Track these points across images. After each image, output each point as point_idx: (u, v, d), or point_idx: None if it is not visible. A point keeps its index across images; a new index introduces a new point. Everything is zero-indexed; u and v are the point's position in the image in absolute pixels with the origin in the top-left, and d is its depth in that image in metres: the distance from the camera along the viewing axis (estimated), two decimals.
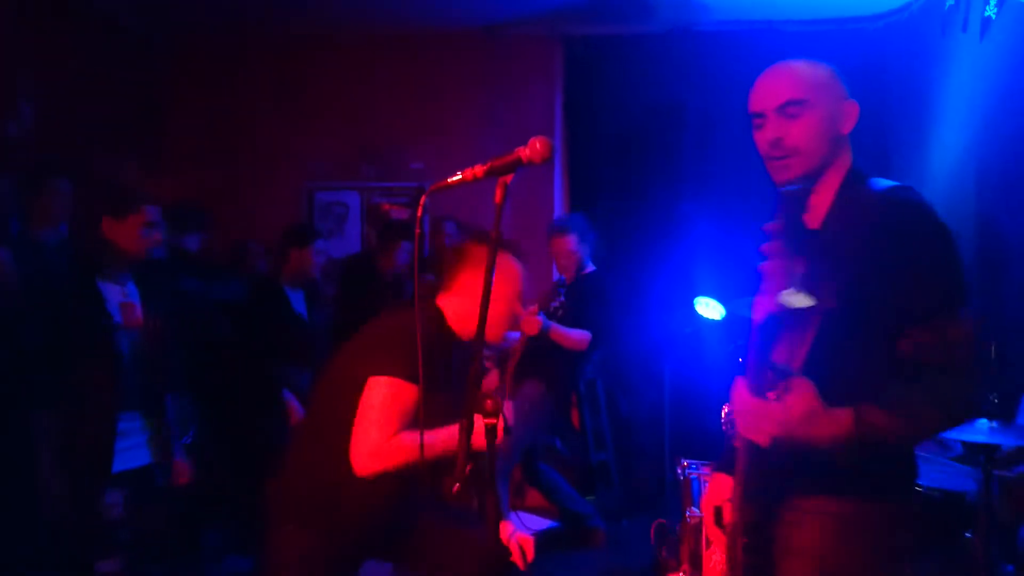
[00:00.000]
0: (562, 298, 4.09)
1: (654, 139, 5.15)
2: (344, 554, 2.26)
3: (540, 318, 3.75)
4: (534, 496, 4.53)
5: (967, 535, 2.40)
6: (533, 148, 1.49)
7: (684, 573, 3.01)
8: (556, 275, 4.44)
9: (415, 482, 2.31)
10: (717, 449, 3.25)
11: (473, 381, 1.56)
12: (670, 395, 4.57)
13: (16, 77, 4.18)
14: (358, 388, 2.08)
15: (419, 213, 1.55)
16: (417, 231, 1.64)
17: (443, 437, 2.00)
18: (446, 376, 2.17)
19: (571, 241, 4.07)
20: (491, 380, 3.83)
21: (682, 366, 4.59)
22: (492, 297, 2.02)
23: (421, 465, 1.99)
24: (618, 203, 5.12)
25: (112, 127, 4.81)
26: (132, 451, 2.73)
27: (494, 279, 2.04)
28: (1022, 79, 3.16)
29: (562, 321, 3.94)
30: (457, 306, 2.25)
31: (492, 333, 2.22)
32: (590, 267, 4.13)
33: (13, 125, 4.12)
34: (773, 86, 1.61)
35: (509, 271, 2.25)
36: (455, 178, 1.47)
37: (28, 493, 2.61)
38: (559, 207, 5.33)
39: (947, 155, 4.04)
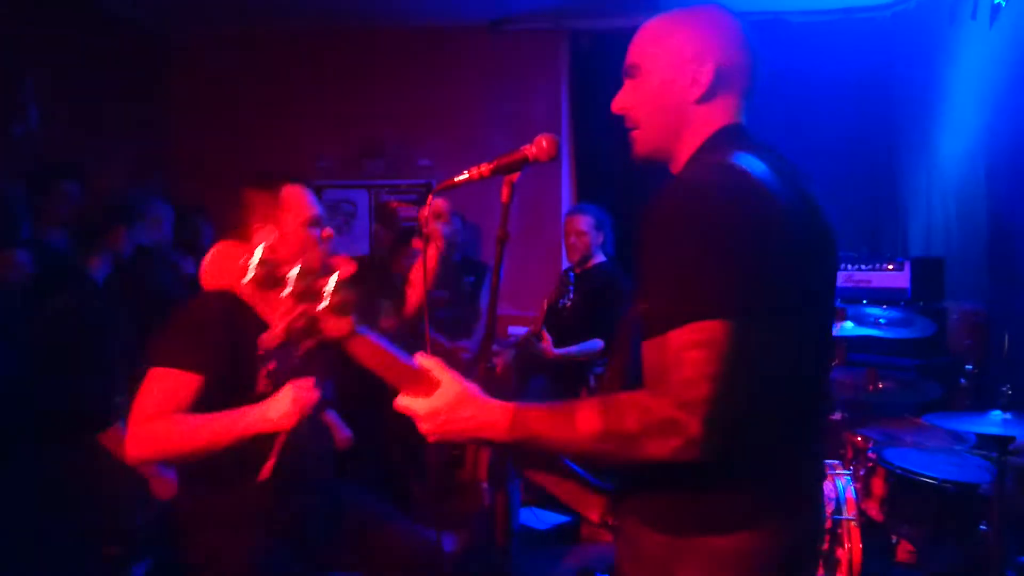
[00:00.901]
0: (571, 294, 4.07)
1: None
2: (266, 550, 2.05)
3: (553, 350, 3.77)
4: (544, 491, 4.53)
5: (981, 527, 2.38)
6: (540, 146, 1.48)
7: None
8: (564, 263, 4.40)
9: (319, 474, 2.19)
10: None
11: (479, 379, 1.55)
12: None
13: (23, 79, 4.19)
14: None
15: (426, 211, 1.54)
16: (425, 230, 1.63)
17: (222, 419, 1.88)
18: (276, 352, 1.98)
19: (584, 221, 4.01)
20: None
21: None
22: (290, 230, 2.05)
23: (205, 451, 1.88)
24: (626, 197, 5.10)
25: (118, 127, 4.82)
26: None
27: (285, 217, 2.05)
28: None
29: (571, 320, 3.90)
30: None
31: (305, 262, 1.87)
32: (599, 257, 4.07)
33: (20, 127, 4.14)
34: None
35: (295, 199, 2.14)
36: (461, 177, 1.46)
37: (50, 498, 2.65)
38: (567, 202, 5.32)
39: (957, 144, 4.00)
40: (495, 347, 4.42)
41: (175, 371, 1.93)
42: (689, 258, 1.13)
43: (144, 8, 4.98)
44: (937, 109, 4.28)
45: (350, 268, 1.22)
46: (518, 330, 4.76)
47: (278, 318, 1.23)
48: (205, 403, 1.93)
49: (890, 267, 3.85)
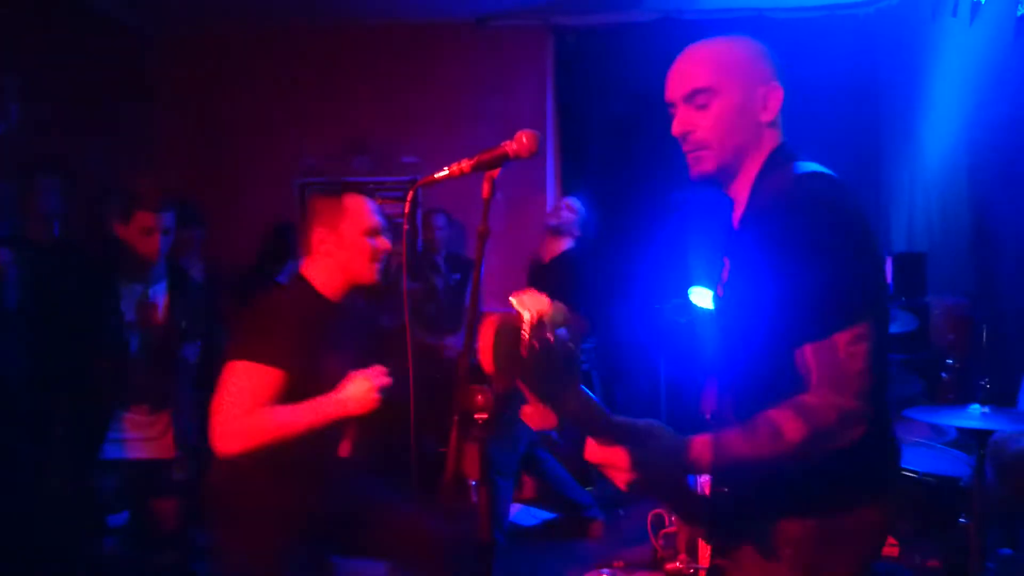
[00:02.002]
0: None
1: (645, 128, 5.13)
2: (294, 546, 2.21)
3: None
4: (532, 488, 4.54)
5: (962, 520, 2.41)
6: (520, 142, 1.49)
7: (681, 562, 3.03)
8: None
9: (338, 465, 2.36)
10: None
11: (463, 376, 1.56)
12: (665, 385, 4.57)
13: (3, 76, 4.15)
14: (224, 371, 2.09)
15: (407, 209, 1.54)
16: (406, 227, 1.63)
17: (304, 411, 2.04)
18: (336, 344, 2.19)
19: (569, 208, 3.98)
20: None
21: (677, 356, 4.59)
22: (349, 240, 2.19)
23: (293, 441, 2.03)
24: (611, 192, 5.11)
25: (101, 124, 4.78)
26: (135, 443, 2.82)
27: (337, 236, 2.18)
28: (1012, 63, 3.16)
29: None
30: (319, 267, 2.23)
31: (365, 276, 2.22)
32: (568, 244, 3.97)
33: (1, 124, 4.10)
34: (681, 73, 1.48)
35: (344, 216, 2.24)
36: (442, 173, 1.47)
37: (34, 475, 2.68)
38: (551, 197, 5.32)
39: (939, 140, 4.03)
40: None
41: (260, 366, 2.03)
42: (840, 264, 1.26)
43: (127, 5, 4.94)
44: (919, 105, 4.31)
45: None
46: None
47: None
48: (284, 397, 2.06)
49: None
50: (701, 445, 1.26)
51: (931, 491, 2.47)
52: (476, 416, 1.56)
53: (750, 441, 1.25)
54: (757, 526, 1.37)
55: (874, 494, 1.37)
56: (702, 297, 4.27)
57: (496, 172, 1.47)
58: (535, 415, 1.19)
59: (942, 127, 3.99)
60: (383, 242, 2.23)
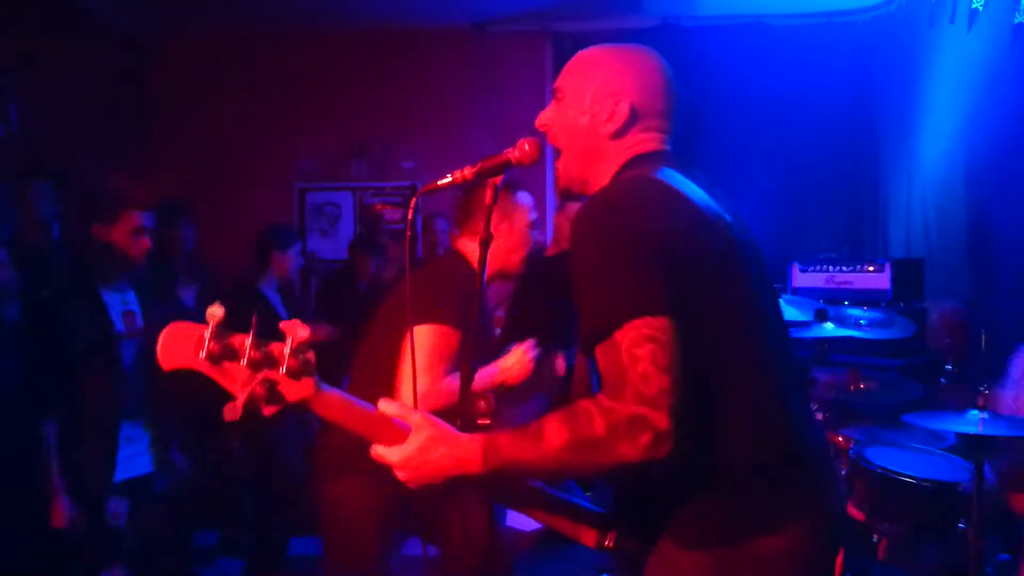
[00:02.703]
0: None
1: None
2: (392, 512, 2.29)
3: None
4: None
5: (961, 525, 2.41)
6: (523, 150, 1.48)
7: None
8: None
9: None
10: None
11: (465, 382, 1.56)
12: None
13: (2, 80, 4.16)
14: (403, 338, 2.13)
15: (410, 216, 1.54)
16: (408, 233, 1.63)
17: (482, 379, 2.12)
18: (479, 320, 2.30)
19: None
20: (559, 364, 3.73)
21: None
22: (518, 230, 2.37)
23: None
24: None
25: (99, 128, 4.79)
26: (135, 459, 2.74)
27: (509, 224, 2.33)
28: (1009, 69, 3.17)
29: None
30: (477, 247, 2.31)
31: (516, 265, 2.40)
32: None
33: (0, 128, 4.10)
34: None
35: (517, 209, 2.41)
36: (445, 180, 1.47)
37: (34, 501, 2.60)
38: (551, 202, 5.33)
39: (936, 146, 4.05)
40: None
41: (447, 328, 2.14)
42: (624, 260, 1.18)
43: (126, 9, 4.95)
44: (917, 112, 4.33)
45: (304, 333, 1.22)
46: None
47: (238, 389, 1.23)
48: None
49: (871, 268, 3.88)
50: (481, 442, 1.22)
51: (929, 496, 2.47)
52: (479, 421, 1.55)
53: (515, 442, 1.19)
54: (653, 554, 1.28)
55: (775, 521, 1.21)
56: None
57: (499, 179, 1.47)
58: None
59: (939, 134, 4.00)
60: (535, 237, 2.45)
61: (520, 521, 4.29)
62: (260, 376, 1.22)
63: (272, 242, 3.76)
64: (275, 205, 5.23)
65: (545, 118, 1.46)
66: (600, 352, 1.18)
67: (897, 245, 4.58)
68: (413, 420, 1.26)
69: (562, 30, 5.25)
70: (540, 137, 1.50)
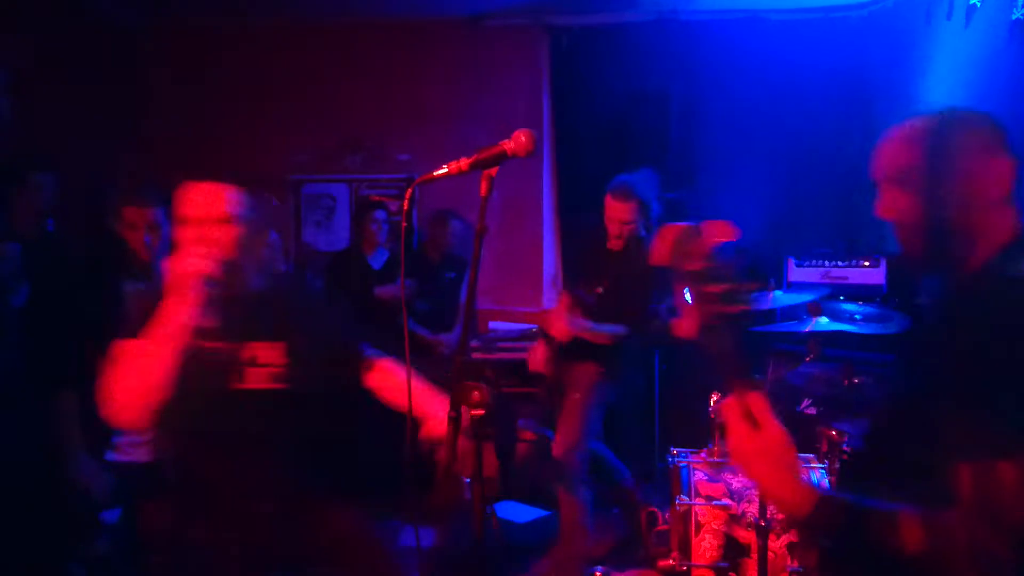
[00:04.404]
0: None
1: (641, 128, 5.15)
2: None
3: (571, 323, 3.45)
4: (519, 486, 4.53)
5: None
6: (518, 141, 1.49)
7: (674, 559, 3.04)
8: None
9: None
10: (705, 437, 3.28)
11: (460, 370, 1.56)
12: (659, 383, 4.59)
13: None
14: None
15: (406, 206, 1.55)
16: (404, 224, 1.64)
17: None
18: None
19: (631, 210, 3.45)
20: (538, 357, 3.69)
21: (671, 354, 4.61)
22: None
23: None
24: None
25: (93, 120, 4.77)
26: (130, 447, 2.78)
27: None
28: (1006, 66, 3.18)
29: (604, 301, 3.56)
30: None
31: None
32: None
33: None
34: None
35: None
36: (441, 171, 1.47)
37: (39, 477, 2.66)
38: (548, 197, 5.33)
39: None
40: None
41: None
42: None
43: (119, 1, 4.92)
44: (913, 107, 4.33)
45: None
46: (499, 325, 4.77)
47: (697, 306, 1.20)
48: None
49: (866, 263, 3.90)
50: (816, 497, 1.17)
51: None
52: (473, 413, 1.56)
53: (856, 515, 1.16)
54: None
55: None
56: None
57: (494, 171, 1.47)
58: (685, 324, 1.21)
59: None
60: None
61: (514, 513, 4.31)
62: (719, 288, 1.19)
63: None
64: (270, 197, 5.21)
65: (893, 205, 1.42)
66: (981, 467, 1.11)
67: (893, 240, 4.59)
68: (778, 425, 1.21)
69: (559, 24, 5.24)
70: (537, 130, 1.50)
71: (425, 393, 2.07)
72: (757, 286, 3.31)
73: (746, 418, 1.21)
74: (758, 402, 1.20)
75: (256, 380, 2.03)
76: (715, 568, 2.90)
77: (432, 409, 2.04)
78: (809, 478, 1.19)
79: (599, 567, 3.38)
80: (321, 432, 2.12)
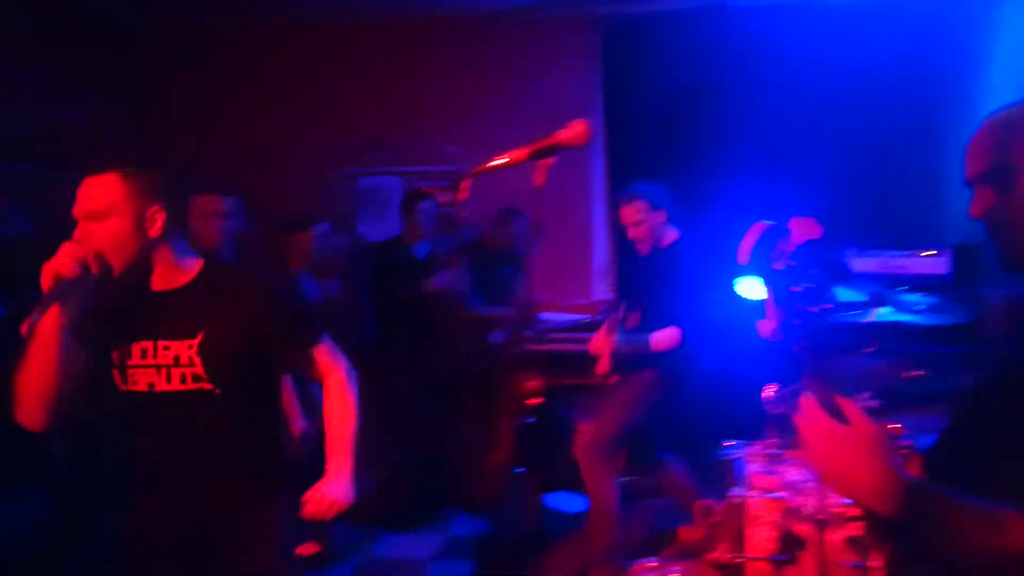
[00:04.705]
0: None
1: (694, 117, 5.09)
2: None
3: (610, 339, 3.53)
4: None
5: None
6: (574, 131, 1.50)
7: (726, 552, 3.01)
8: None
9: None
10: (757, 430, 3.24)
11: (512, 363, 1.58)
12: (709, 376, 4.53)
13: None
14: None
15: (461, 197, 1.56)
16: (459, 215, 1.65)
17: None
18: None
19: (638, 209, 3.60)
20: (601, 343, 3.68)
21: (722, 346, 4.55)
22: None
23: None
24: (659, 184, 5.08)
25: (133, 121, 4.89)
26: None
27: None
28: None
29: (647, 307, 3.64)
30: None
31: None
32: (673, 233, 3.68)
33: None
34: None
35: None
36: (497, 161, 1.48)
37: None
38: (598, 190, 5.30)
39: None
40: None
41: None
42: None
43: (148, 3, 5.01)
44: (978, 89, 4.20)
45: None
46: (549, 316, 4.76)
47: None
48: None
49: (929, 253, 3.80)
50: (904, 486, 1.11)
51: None
52: (526, 402, 1.57)
53: (954, 510, 1.10)
54: None
55: None
56: (751, 288, 4.22)
57: (551, 160, 1.48)
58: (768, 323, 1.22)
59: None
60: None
61: (565, 503, 4.31)
62: None
63: (288, 226, 3.88)
64: (325, 192, 5.29)
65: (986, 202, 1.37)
66: None
67: (956, 230, 4.47)
68: (865, 417, 1.18)
69: (611, 13, 5.20)
70: (588, 118, 1.50)
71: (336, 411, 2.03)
72: (839, 283, 3.28)
73: (829, 413, 1.17)
74: (842, 397, 1.17)
75: (163, 381, 1.89)
76: (772, 560, 2.86)
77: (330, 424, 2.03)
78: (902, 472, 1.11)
79: (651, 558, 3.36)
80: (235, 431, 1.96)
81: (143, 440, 1.95)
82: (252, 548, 1.94)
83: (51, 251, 2.65)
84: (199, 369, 1.87)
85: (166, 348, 1.88)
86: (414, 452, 4.18)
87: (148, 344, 1.89)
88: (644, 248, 3.66)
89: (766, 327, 2.46)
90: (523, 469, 3.97)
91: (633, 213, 3.62)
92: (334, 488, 1.96)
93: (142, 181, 1.86)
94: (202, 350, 1.87)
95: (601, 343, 3.64)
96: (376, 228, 5.31)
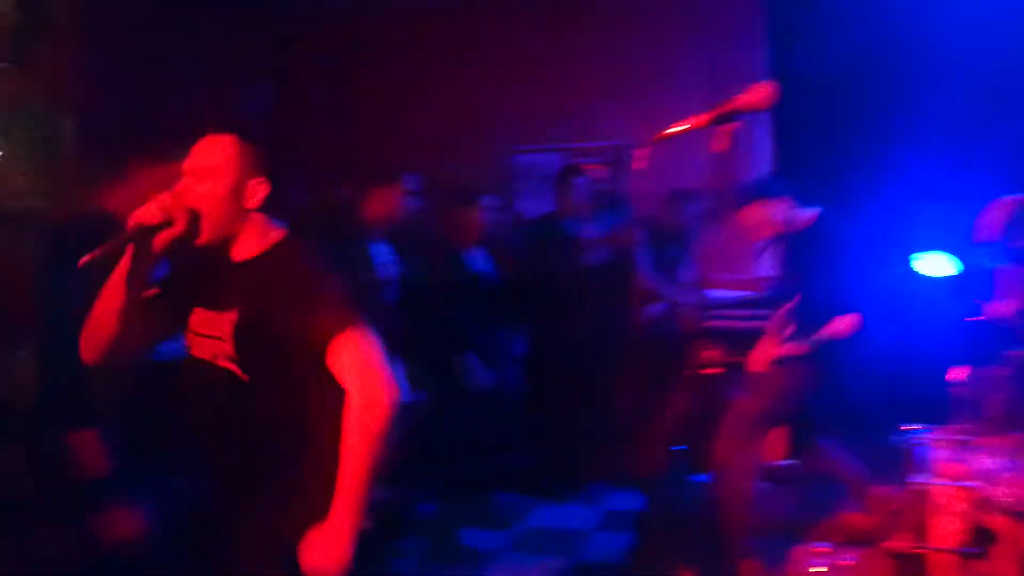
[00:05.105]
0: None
1: (867, 85, 4.78)
2: None
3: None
4: None
5: None
6: (758, 93, 1.45)
7: (907, 541, 2.85)
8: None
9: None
10: (940, 414, 3.03)
11: (693, 333, 1.55)
12: (885, 358, 4.28)
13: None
14: None
15: (639, 166, 1.54)
16: (633, 186, 1.63)
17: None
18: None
19: (780, 209, 3.44)
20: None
21: (898, 327, 4.28)
22: None
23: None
24: (827, 155, 4.81)
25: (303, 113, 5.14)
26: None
27: None
28: None
29: (805, 290, 3.47)
30: None
31: None
32: (808, 213, 3.50)
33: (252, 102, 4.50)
34: None
35: None
36: (677, 128, 1.46)
37: None
38: (765, 161, 5.09)
39: None
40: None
41: None
42: None
43: None
44: None
45: None
46: (714, 293, 4.63)
47: None
48: None
49: None
50: None
51: None
52: (707, 371, 1.55)
53: None
54: None
55: None
56: (934, 265, 3.94)
57: (734, 126, 1.44)
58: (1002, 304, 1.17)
59: None
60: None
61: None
62: None
63: (455, 199, 3.94)
64: (485, 169, 5.38)
65: None
66: None
67: None
68: None
69: None
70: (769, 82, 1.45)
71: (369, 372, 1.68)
72: None
73: None
74: None
75: (200, 350, 1.80)
76: (961, 553, 2.68)
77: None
78: None
79: (824, 543, 3.24)
80: (264, 428, 1.76)
81: (192, 413, 1.84)
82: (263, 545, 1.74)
83: None
84: (229, 348, 1.73)
85: (216, 320, 1.78)
86: (570, 425, 4.21)
87: (209, 314, 1.80)
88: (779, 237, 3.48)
89: (1001, 308, 2.24)
90: (683, 447, 3.92)
91: (771, 213, 3.43)
92: (328, 546, 1.64)
93: (254, 152, 1.80)
94: (236, 328, 1.73)
95: (768, 351, 3.49)
96: (534, 206, 5.37)
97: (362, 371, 1.65)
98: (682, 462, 4.04)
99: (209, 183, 1.72)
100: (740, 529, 3.36)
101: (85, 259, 1.56)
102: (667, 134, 1.46)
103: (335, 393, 1.66)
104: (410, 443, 2.97)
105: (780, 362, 3.43)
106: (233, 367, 1.72)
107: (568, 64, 5.41)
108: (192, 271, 1.86)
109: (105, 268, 1.69)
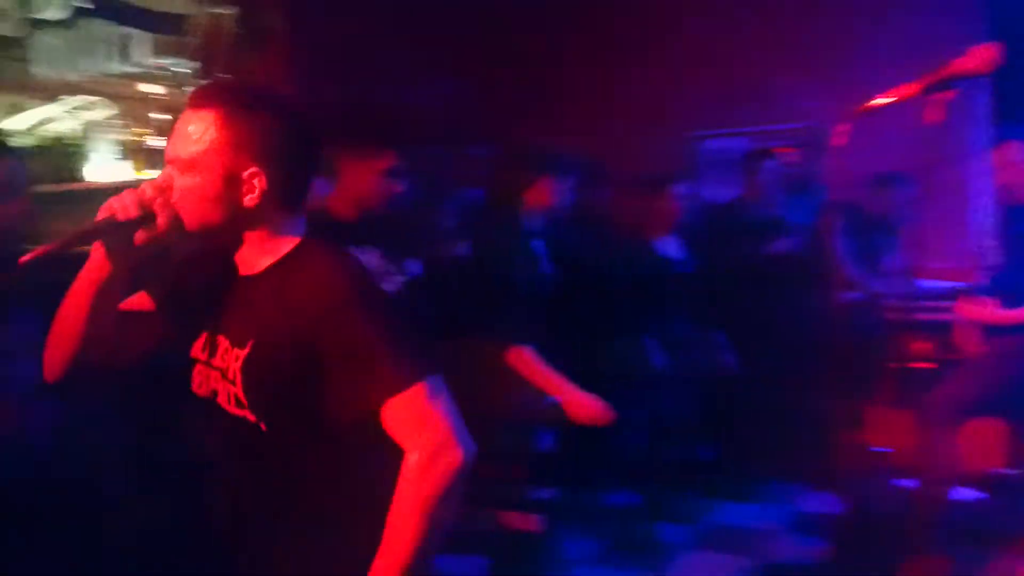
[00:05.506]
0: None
1: None
2: None
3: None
4: None
5: None
6: (978, 57, 1.30)
7: None
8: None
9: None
10: None
11: (899, 325, 1.42)
12: None
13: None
14: None
15: (838, 143, 1.43)
16: (831, 165, 1.53)
17: None
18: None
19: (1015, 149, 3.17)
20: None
21: None
22: None
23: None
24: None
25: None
26: None
27: None
28: None
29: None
30: None
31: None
32: None
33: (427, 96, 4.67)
34: None
35: None
36: (885, 99, 1.34)
37: None
38: (982, 135, 4.59)
39: None
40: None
41: None
42: None
43: None
44: None
45: None
46: (919, 283, 4.27)
47: None
48: None
49: None
50: None
51: None
52: (916, 366, 1.42)
53: None
54: None
55: None
56: None
57: (949, 94, 1.30)
58: None
59: None
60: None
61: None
62: None
63: (646, 188, 3.84)
64: (671, 155, 5.28)
65: None
66: None
67: None
68: None
69: None
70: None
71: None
72: None
73: None
74: None
75: (205, 387, 1.44)
76: None
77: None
78: None
79: None
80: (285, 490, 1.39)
81: (207, 465, 1.50)
82: None
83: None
84: (239, 390, 1.35)
85: (226, 352, 1.39)
86: (756, 421, 4.04)
87: (215, 339, 1.43)
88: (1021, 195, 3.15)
89: None
90: (885, 448, 3.65)
91: (1008, 153, 3.16)
92: None
93: (247, 128, 1.34)
94: (246, 365, 1.35)
95: (976, 315, 3.16)
96: (723, 191, 5.20)
97: (421, 428, 1.27)
98: (884, 464, 3.77)
99: (188, 176, 1.34)
100: (931, 532, 3.08)
101: (27, 257, 1.27)
102: (872, 106, 1.34)
103: (386, 449, 1.29)
104: (592, 435, 2.96)
105: (994, 334, 3.09)
106: (247, 415, 1.35)
107: (757, 39, 5.17)
108: (188, 282, 1.51)
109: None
